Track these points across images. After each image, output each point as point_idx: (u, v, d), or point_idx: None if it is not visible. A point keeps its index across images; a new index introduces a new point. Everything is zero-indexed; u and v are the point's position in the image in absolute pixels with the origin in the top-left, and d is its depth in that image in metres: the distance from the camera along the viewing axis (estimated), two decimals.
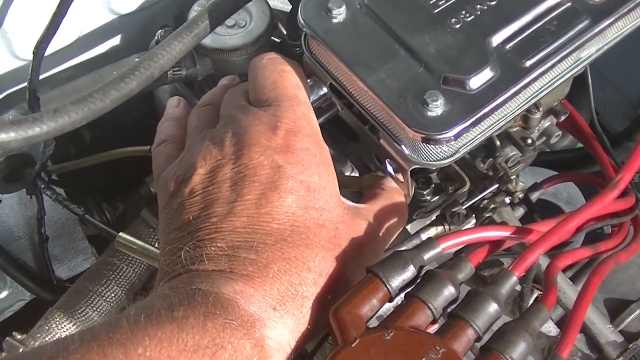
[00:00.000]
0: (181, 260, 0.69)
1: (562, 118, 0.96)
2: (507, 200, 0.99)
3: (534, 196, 1.09)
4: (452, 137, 0.74)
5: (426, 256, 0.72)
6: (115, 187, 1.47)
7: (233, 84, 0.89)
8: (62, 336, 0.78)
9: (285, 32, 1.10)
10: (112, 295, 1.18)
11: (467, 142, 0.77)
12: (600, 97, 1.54)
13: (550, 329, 0.98)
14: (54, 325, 1.15)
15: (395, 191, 0.83)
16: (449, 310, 0.69)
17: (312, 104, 0.81)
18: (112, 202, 1.49)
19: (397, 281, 0.69)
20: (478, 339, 0.68)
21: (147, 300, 0.65)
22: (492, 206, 0.95)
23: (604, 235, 0.96)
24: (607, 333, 0.99)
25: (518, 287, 0.96)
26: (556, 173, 1.18)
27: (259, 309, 0.66)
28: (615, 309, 1.07)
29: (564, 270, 1.07)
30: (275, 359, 0.66)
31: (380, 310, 0.69)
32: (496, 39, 0.79)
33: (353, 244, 0.74)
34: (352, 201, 0.79)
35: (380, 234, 0.78)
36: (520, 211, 1.06)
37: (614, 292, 1.08)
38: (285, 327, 0.67)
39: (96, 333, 0.60)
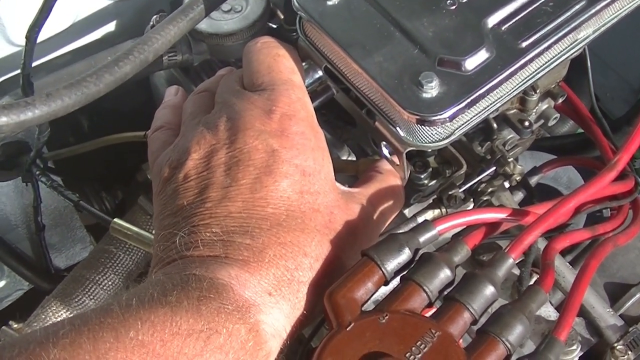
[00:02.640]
0: (175, 246, 0.68)
1: (560, 100, 0.95)
2: (507, 185, 0.99)
3: (533, 180, 1.08)
4: (447, 119, 0.73)
5: (422, 239, 0.71)
6: (115, 176, 1.47)
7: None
8: None
9: (282, 17, 1.09)
10: (110, 283, 1.17)
11: (462, 124, 0.76)
12: (602, 83, 1.54)
13: (550, 313, 0.97)
14: (51, 313, 1.14)
15: (390, 174, 0.82)
16: (445, 293, 0.69)
17: (307, 87, 0.81)
18: (111, 190, 1.48)
19: (392, 264, 0.68)
20: (474, 321, 0.67)
21: (140, 286, 0.65)
22: (490, 190, 0.95)
23: (604, 219, 0.96)
24: (607, 317, 0.98)
25: (517, 271, 0.95)
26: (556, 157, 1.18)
27: (254, 294, 0.65)
28: (616, 293, 1.07)
29: (564, 255, 1.07)
30: (271, 344, 0.65)
31: (377, 294, 0.69)
32: (492, 20, 0.78)
33: (348, 229, 0.74)
34: (349, 185, 0.79)
35: (375, 218, 0.78)
36: (520, 195, 1.06)
37: (614, 276, 1.08)
38: (281, 312, 0.67)
39: (87, 318, 0.60)
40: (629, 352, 0.95)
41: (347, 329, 0.63)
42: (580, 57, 1.02)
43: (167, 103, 0.89)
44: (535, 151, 1.20)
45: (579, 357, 0.96)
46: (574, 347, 0.95)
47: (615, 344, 0.96)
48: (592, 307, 0.99)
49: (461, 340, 0.66)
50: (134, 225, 1.03)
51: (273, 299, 0.66)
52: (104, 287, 1.17)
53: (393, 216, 0.81)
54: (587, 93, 1.10)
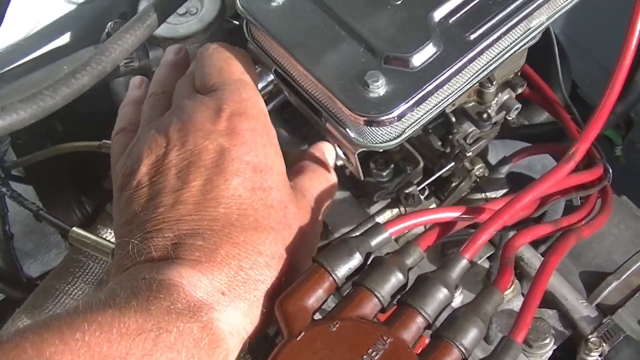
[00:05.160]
0: (129, 254, 0.68)
1: (520, 90, 0.93)
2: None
3: (504, 169, 1.06)
4: (395, 118, 0.71)
5: (373, 242, 0.70)
6: (94, 180, 1.45)
7: (179, 59, 0.88)
8: None
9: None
10: (80, 292, 1.15)
11: (413, 122, 0.74)
12: (580, 70, 1.53)
13: None
14: (21, 325, 1.13)
15: (319, 161, 0.81)
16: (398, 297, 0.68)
17: (260, 90, 0.79)
18: (92, 194, 1.47)
19: (342, 270, 0.67)
20: (428, 326, 0.65)
21: (91, 294, 0.64)
22: (460, 186, 0.93)
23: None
24: (581, 308, 0.97)
25: (487, 265, 0.94)
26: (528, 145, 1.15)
27: (206, 294, 0.64)
28: (592, 282, 1.04)
29: (536, 247, 1.05)
30: (230, 343, 0.64)
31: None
32: (439, 14, 0.76)
33: (300, 223, 0.73)
34: None
35: (314, 208, 0.77)
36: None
37: (589, 264, 1.06)
38: (238, 310, 0.66)
39: (33, 325, 0.59)
40: (603, 344, 0.93)
41: (298, 339, 0.62)
42: (549, 45, 1.00)
43: (130, 98, 0.88)
44: (507, 140, 1.18)
45: (553, 351, 0.95)
46: (547, 341, 0.93)
47: (589, 336, 0.94)
48: (565, 299, 0.97)
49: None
50: (103, 233, 1.02)
51: (227, 298, 0.65)
52: (75, 297, 1.15)
53: (328, 202, 0.80)
54: (564, 80, 1.08)
